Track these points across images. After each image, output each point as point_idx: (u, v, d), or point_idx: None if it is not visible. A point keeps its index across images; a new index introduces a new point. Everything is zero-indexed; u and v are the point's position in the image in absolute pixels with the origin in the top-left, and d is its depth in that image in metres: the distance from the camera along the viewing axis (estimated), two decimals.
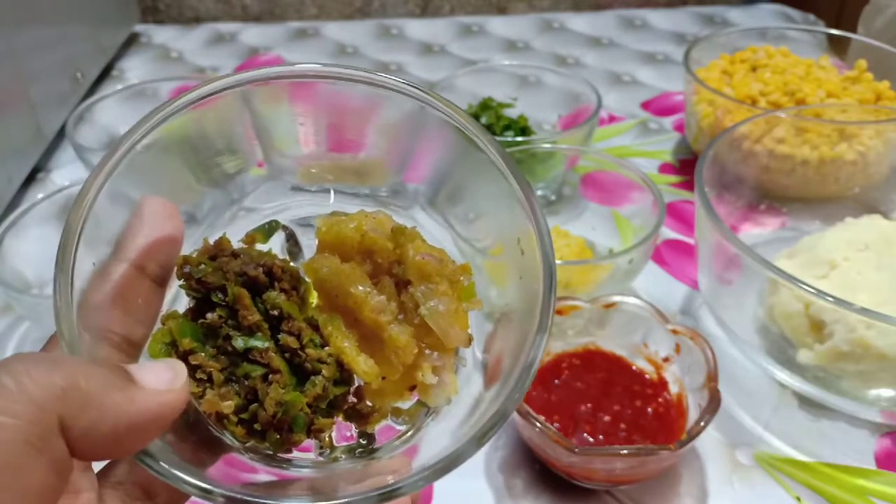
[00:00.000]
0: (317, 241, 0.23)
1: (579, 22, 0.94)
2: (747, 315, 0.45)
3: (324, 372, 0.21)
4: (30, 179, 0.64)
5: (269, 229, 0.24)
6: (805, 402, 0.43)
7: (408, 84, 0.23)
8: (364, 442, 0.24)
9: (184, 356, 0.21)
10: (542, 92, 0.66)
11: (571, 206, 0.57)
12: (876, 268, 0.43)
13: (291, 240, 0.25)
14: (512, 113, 0.62)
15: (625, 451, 0.33)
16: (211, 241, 0.22)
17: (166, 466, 0.18)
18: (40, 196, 0.49)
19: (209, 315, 0.21)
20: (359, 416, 0.23)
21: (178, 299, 0.23)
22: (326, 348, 0.22)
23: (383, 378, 0.22)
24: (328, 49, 0.89)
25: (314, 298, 0.22)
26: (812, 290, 0.36)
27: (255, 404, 0.20)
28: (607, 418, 0.38)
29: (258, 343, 0.21)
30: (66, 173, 0.65)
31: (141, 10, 0.96)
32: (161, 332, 0.21)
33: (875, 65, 0.60)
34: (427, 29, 0.93)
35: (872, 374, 0.39)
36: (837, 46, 0.67)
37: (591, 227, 0.54)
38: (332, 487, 0.21)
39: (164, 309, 0.22)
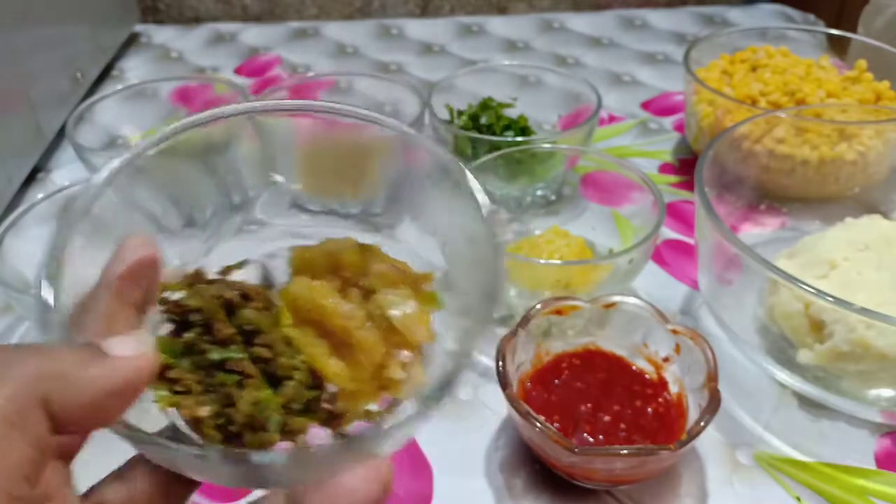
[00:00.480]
0: (290, 269, 0.25)
1: (579, 22, 0.94)
2: (747, 315, 0.45)
3: (296, 376, 0.23)
4: (30, 179, 0.64)
5: (240, 264, 0.26)
6: (805, 402, 0.43)
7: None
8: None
9: (162, 372, 0.21)
10: (542, 92, 0.66)
11: (571, 206, 0.57)
12: (876, 268, 0.43)
13: (264, 272, 0.27)
14: (512, 113, 0.62)
15: (625, 451, 0.33)
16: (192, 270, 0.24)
17: (158, 438, 0.19)
18: (40, 196, 0.49)
19: (186, 334, 0.22)
20: (333, 419, 0.24)
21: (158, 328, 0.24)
22: (299, 357, 0.23)
23: (354, 381, 0.24)
24: (328, 49, 0.89)
25: (287, 320, 0.24)
26: (812, 290, 0.36)
27: (231, 408, 0.22)
28: (607, 418, 0.38)
29: (233, 354, 0.22)
30: (67, 173, 0.65)
31: (141, 10, 0.96)
32: None
33: (875, 65, 0.60)
34: (427, 29, 0.93)
35: (872, 374, 0.39)
36: (837, 46, 0.67)
37: (591, 227, 0.54)
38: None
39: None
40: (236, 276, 0.25)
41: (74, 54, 0.72)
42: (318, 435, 0.24)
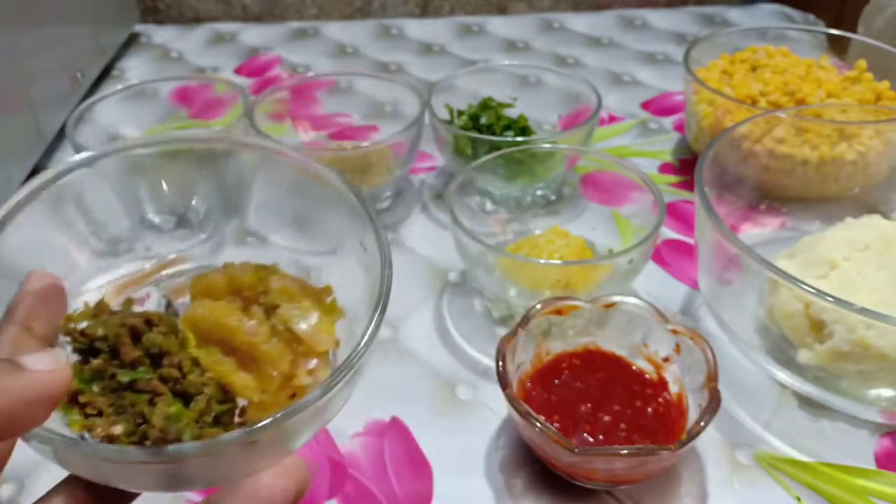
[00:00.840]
0: (189, 295, 0.26)
1: (579, 22, 0.94)
2: (747, 315, 0.45)
3: (206, 391, 0.23)
4: (29, 179, 0.64)
5: (143, 296, 0.28)
6: (805, 402, 0.43)
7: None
8: None
9: (73, 397, 0.22)
10: (542, 92, 0.66)
11: (571, 206, 0.57)
12: (876, 268, 0.43)
13: (167, 303, 0.28)
14: (512, 113, 0.62)
15: (625, 452, 0.33)
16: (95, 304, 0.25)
17: (65, 433, 0.20)
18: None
19: (93, 360, 0.23)
20: None
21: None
22: (207, 374, 0.24)
23: (263, 392, 0.24)
24: (328, 49, 0.89)
25: (192, 344, 0.25)
26: (812, 290, 0.36)
27: (145, 425, 0.22)
28: (607, 418, 0.38)
29: (142, 374, 0.23)
30: None
31: (141, 10, 0.96)
32: None
33: (875, 65, 0.60)
34: (427, 29, 0.93)
35: (872, 374, 0.39)
36: (837, 46, 0.67)
37: (591, 227, 0.54)
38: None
39: None
40: (137, 308, 0.26)
41: (74, 54, 0.72)
42: None
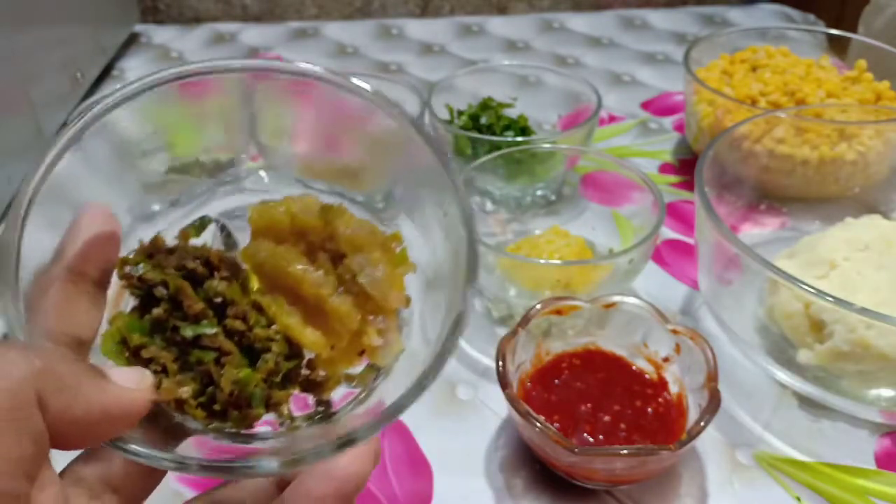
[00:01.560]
0: (250, 229, 0.24)
1: (579, 22, 0.94)
2: (747, 315, 0.45)
3: (273, 348, 0.22)
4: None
5: (200, 225, 0.25)
6: (805, 402, 0.43)
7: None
8: (321, 409, 0.24)
9: (135, 352, 0.21)
10: (542, 92, 0.66)
11: (571, 206, 0.57)
12: (876, 268, 0.43)
13: (225, 232, 0.26)
14: (512, 113, 0.62)
15: (625, 452, 0.33)
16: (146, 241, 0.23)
17: (139, 447, 0.19)
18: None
19: (154, 310, 0.22)
20: (314, 386, 0.24)
21: (122, 301, 0.24)
22: (273, 327, 0.23)
23: (332, 347, 0.23)
24: (328, 49, 0.89)
25: (255, 284, 0.23)
26: (812, 290, 0.36)
27: (212, 387, 0.21)
28: (607, 418, 0.38)
29: (206, 329, 0.22)
30: None
31: (141, 10, 0.96)
32: (110, 332, 0.22)
33: (875, 65, 0.60)
34: (427, 29, 0.93)
35: (872, 374, 0.39)
36: (837, 46, 0.67)
37: (592, 227, 0.54)
38: (293, 447, 0.22)
39: (111, 309, 0.23)
40: (195, 240, 0.24)
41: (74, 54, 0.72)
42: (300, 400, 0.24)
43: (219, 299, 0.22)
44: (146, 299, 0.22)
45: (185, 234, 0.24)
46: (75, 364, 0.18)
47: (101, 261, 0.22)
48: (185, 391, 0.21)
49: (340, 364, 0.24)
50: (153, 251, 0.23)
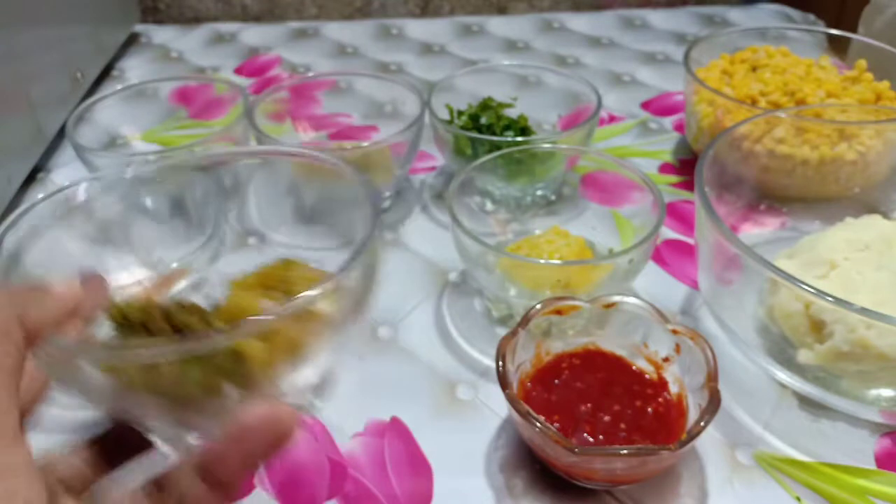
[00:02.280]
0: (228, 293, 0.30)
1: (579, 22, 0.94)
2: (747, 315, 0.45)
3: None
4: (30, 179, 0.64)
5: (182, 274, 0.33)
6: (805, 401, 0.43)
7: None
8: None
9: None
10: (543, 92, 0.66)
11: (571, 206, 0.57)
12: (876, 268, 0.43)
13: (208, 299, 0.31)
14: (512, 113, 0.62)
15: (625, 452, 0.33)
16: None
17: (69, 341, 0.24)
18: (40, 196, 0.49)
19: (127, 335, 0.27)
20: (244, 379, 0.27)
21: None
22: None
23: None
24: (328, 49, 0.89)
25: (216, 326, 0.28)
26: (812, 290, 0.36)
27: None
28: (607, 418, 0.38)
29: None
30: (67, 173, 0.65)
31: (141, 10, 0.96)
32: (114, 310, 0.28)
33: (875, 65, 0.60)
34: (427, 29, 0.93)
35: (872, 374, 0.39)
36: (837, 46, 0.68)
37: (591, 227, 0.54)
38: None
39: None
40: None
41: (74, 54, 0.72)
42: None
43: (182, 326, 0.27)
44: (125, 328, 0.27)
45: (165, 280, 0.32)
46: (36, 287, 0.25)
47: (92, 301, 0.27)
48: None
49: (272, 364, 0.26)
50: (145, 304, 0.28)
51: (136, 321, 0.27)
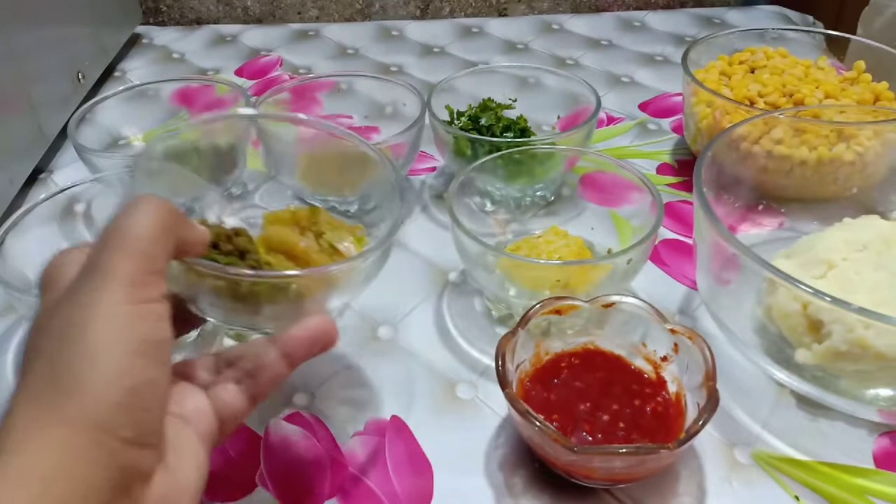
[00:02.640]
0: (264, 223, 0.40)
1: (578, 23, 0.94)
2: (745, 315, 0.45)
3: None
4: (31, 180, 0.64)
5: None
6: (803, 401, 0.43)
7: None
8: None
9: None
10: (542, 93, 0.66)
11: (570, 207, 0.57)
12: (874, 268, 0.43)
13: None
14: (511, 114, 0.62)
15: (624, 450, 0.34)
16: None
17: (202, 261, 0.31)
18: (42, 196, 0.49)
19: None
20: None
21: None
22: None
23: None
24: (329, 51, 0.89)
25: (263, 252, 0.37)
26: (810, 290, 0.36)
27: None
28: (606, 417, 0.38)
29: (233, 261, 0.34)
30: (68, 174, 0.65)
31: (143, 11, 0.96)
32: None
33: (873, 66, 0.61)
34: (427, 30, 0.93)
35: (871, 373, 0.39)
36: (836, 47, 0.68)
37: (590, 227, 0.54)
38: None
39: None
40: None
41: (76, 55, 0.73)
42: None
43: (241, 248, 0.35)
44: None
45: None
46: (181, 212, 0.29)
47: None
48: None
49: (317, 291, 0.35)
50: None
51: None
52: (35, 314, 0.26)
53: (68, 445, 0.22)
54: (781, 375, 0.42)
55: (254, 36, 0.92)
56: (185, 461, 0.26)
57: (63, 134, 0.67)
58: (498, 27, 0.94)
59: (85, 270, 0.25)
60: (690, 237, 0.56)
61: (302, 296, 0.34)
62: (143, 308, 0.25)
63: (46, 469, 0.21)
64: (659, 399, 0.39)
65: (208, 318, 0.34)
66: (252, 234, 0.37)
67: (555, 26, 0.94)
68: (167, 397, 0.25)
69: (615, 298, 0.41)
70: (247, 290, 0.32)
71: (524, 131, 0.60)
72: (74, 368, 0.23)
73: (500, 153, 0.52)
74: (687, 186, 0.62)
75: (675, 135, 0.70)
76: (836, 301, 0.35)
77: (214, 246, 0.34)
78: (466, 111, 0.61)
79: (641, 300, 0.41)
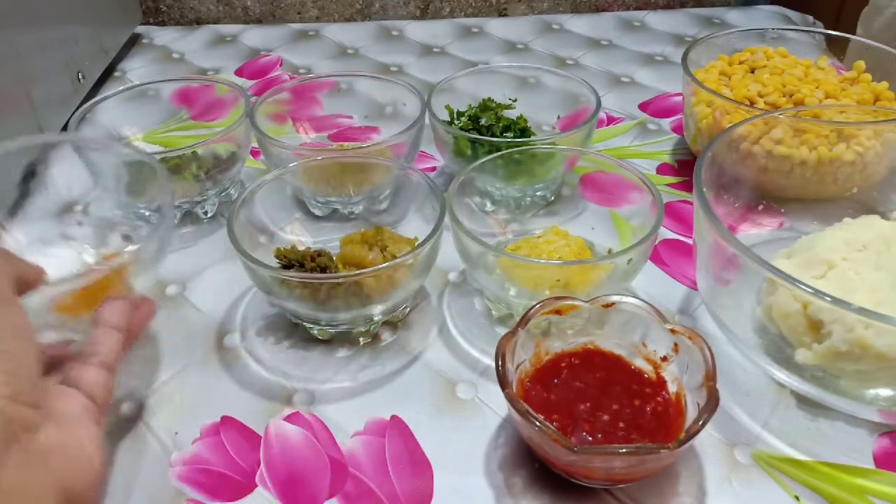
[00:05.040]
0: (340, 244, 0.50)
1: (578, 23, 0.94)
2: (745, 315, 0.45)
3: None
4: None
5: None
6: (803, 401, 0.43)
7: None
8: None
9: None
10: (542, 93, 0.66)
11: (570, 207, 0.57)
12: (874, 268, 0.43)
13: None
14: (512, 114, 0.62)
15: (624, 451, 0.34)
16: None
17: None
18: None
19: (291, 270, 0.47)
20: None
21: None
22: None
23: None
24: (329, 51, 0.89)
25: (340, 266, 0.48)
26: (810, 290, 0.36)
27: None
28: (606, 417, 0.38)
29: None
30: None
31: (143, 11, 0.96)
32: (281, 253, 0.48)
33: (873, 66, 0.61)
34: (427, 30, 0.93)
35: (870, 373, 0.39)
36: (836, 47, 0.68)
37: (590, 227, 0.54)
38: None
39: None
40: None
41: (76, 55, 0.73)
42: None
43: (322, 265, 0.46)
44: (288, 266, 0.47)
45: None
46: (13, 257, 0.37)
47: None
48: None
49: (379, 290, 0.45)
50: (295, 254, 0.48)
51: (293, 260, 0.46)
52: None
53: None
54: (781, 375, 0.42)
55: (254, 36, 0.92)
56: (73, 426, 0.32)
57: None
58: (498, 27, 0.94)
59: None
60: (690, 237, 0.56)
61: (370, 296, 0.43)
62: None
63: None
64: (659, 399, 0.39)
65: (303, 322, 0.46)
66: (332, 254, 0.48)
67: (555, 26, 0.94)
68: (36, 368, 0.31)
69: (615, 298, 0.41)
70: (325, 294, 0.42)
71: (524, 131, 0.60)
72: None
73: (500, 153, 0.52)
74: (687, 186, 0.62)
75: (675, 135, 0.70)
76: (836, 301, 0.35)
77: (301, 265, 0.46)
78: (466, 111, 0.61)
79: (641, 300, 0.41)
